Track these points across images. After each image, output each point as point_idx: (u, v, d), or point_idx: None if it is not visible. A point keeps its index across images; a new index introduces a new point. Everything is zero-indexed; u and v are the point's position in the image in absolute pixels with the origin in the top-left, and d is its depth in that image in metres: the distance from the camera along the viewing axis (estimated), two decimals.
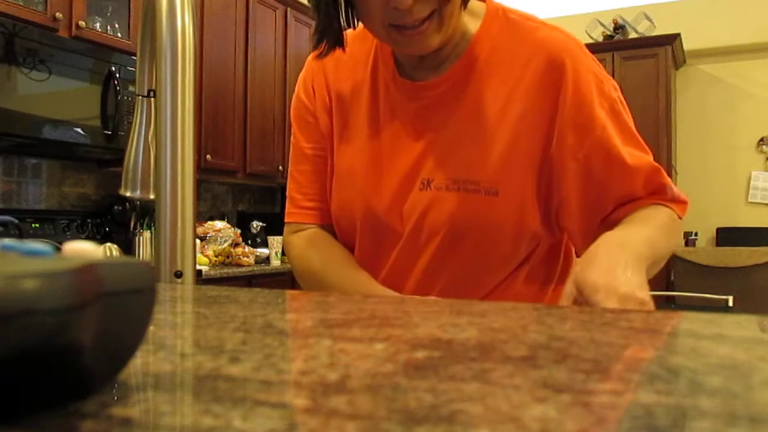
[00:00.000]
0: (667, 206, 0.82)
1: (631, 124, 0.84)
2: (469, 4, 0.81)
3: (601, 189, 0.81)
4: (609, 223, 0.81)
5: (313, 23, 0.82)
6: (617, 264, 0.67)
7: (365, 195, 0.87)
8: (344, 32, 0.82)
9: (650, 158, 0.84)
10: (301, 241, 0.95)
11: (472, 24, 0.85)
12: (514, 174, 0.80)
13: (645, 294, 0.65)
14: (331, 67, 0.93)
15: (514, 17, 0.85)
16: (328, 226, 0.95)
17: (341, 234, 0.94)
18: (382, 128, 0.87)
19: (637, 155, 0.82)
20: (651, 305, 0.66)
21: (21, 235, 2.60)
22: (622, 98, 0.86)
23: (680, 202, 0.84)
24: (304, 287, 0.95)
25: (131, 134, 0.91)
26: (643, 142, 0.85)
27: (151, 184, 0.88)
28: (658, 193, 0.83)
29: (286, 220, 0.99)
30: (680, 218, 0.84)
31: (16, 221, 2.59)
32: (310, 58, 0.94)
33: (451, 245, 0.83)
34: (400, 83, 0.87)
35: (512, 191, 0.80)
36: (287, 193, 1.00)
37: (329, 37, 0.82)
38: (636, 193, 0.82)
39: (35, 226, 2.74)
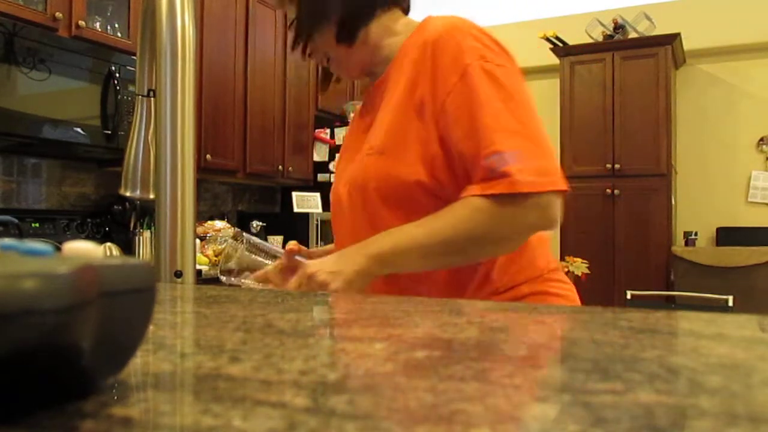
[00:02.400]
0: (481, 196, 0.84)
1: (487, 102, 0.86)
2: (399, 24, 1.02)
3: (454, 139, 0.89)
4: None
5: None
6: (335, 255, 0.88)
7: (336, 179, 1.06)
8: None
9: (486, 133, 0.85)
10: None
11: (398, 40, 1.01)
12: (396, 137, 0.93)
13: (328, 276, 0.82)
14: None
15: (425, 23, 0.99)
16: None
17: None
18: (355, 126, 1.10)
19: (477, 126, 0.86)
20: (332, 288, 0.81)
21: (21, 234, 2.60)
22: (489, 65, 0.89)
23: (505, 181, 0.83)
24: None
25: (131, 134, 0.91)
26: (509, 123, 0.86)
27: (151, 183, 0.88)
28: (488, 179, 0.84)
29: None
30: (505, 196, 0.83)
31: (16, 221, 2.59)
32: None
33: (355, 206, 0.97)
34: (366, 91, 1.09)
35: (395, 150, 0.92)
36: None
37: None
38: (475, 164, 0.86)
39: (35, 226, 2.74)
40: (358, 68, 1.04)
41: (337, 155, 1.18)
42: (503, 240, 0.88)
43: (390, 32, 1.02)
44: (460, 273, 0.93)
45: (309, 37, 1.01)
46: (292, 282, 0.88)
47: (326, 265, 0.86)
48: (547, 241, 1.02)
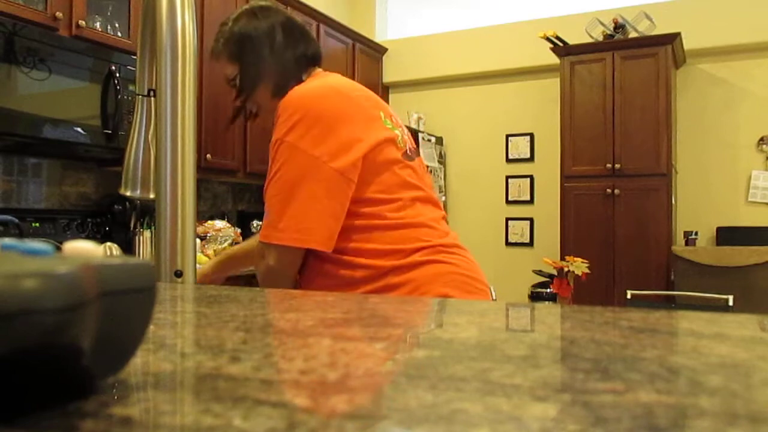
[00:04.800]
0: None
1: (282, 166, 1.14)
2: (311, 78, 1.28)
3: None
4: None
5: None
6: None
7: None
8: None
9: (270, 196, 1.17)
10: None
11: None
12: None
13: None
14: None
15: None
16: None
17: None
18: None
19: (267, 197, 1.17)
20: None
21: (21, 234, 2.60)
22: (291, 144, 1.13)
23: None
24: None
25: (131, 133, 0.91)
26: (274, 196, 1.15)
27: (152, 183, 0.88)
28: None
29: None
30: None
31: (17, 220, 2.59)
32: None
33: None
34: None
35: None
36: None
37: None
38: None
39: (35, 226, 2.74)
40: (271, 115, 1.26)
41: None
42: None
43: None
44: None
45: (249, 95, 1.28)
46: None
47: None
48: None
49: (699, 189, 4.69)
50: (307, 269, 1.19)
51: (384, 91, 5.26)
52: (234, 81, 1.29)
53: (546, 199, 4.82)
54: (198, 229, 3.08)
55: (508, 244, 4.95)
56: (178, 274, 0.77)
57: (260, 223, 3.76)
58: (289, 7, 3.91)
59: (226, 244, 3.15)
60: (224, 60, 1.30)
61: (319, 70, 1.32)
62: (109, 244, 1.01)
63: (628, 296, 3.54)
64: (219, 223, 3.25)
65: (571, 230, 4.32)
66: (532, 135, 4.92)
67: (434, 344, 0.30)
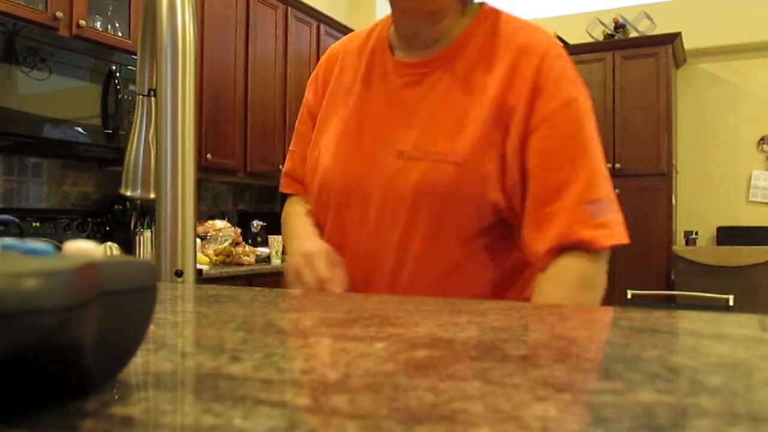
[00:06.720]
0: (582, 253, 0.83)
1: (589, 131, 0.86)
2: (467, 7, 0.93)
3: (540, 167, 0.85)
4: (534, 252, 0.86)
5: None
6: None
7: (345, 162, 0.94)
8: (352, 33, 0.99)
9: (590, 174, 0.84)
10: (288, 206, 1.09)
11: (465, 21, 0.93)
12: (480, 152, 0.85)
13: None
14: (336, 61, 1.03)
15: (504, 18, 0.93)
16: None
17: (318, 208, 0.99)
18: (370, 102, 0.95)
19: (578, 163, 0.83)
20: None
21: (22, 234, 2.60)
22: (589, 107, 0.88)
23: (603, 228, 0.82)
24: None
25: (132, 133, 0.91)
26: (595, 163, 0.85)
27: (152, 183, 0.88)
28: (581, 221, 0.82)
29: (283, 189, 1.09)
30: (602, 248, 0.83)
31: (17, 220, 2.59)
32: (323, 55, 1.08)
33: (417, 211, 0.87)
34: (390, 60, 0.95)
35: (475, 165, 0.85)
36: (284, 167, 1.10)
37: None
38: (564, 202, 0.83)
39: (36, 225, 2.74)
40: (438, 4, 0.89)
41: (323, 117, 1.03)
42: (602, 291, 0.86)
43: (465, 8, 0.93)
44: (504, 278, 0.92)
45: None
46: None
47: None
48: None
49: (699, 189, 4.69)
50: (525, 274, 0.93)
51: None
52: None
53: None
54: (198, 228, 3.09)
55: None
56: (179, 273, 0.77)
57: (261, 222, 3.77)
58: (289, 7, 3.92)
59: (226, 244, 3.15)
60: None
61: None
62: (109, 243, 1.01)
63: (629, 296, 3.54)
64: (219, 223, 3.26)
65: None
66: None
67: (435, 344, 0.30)
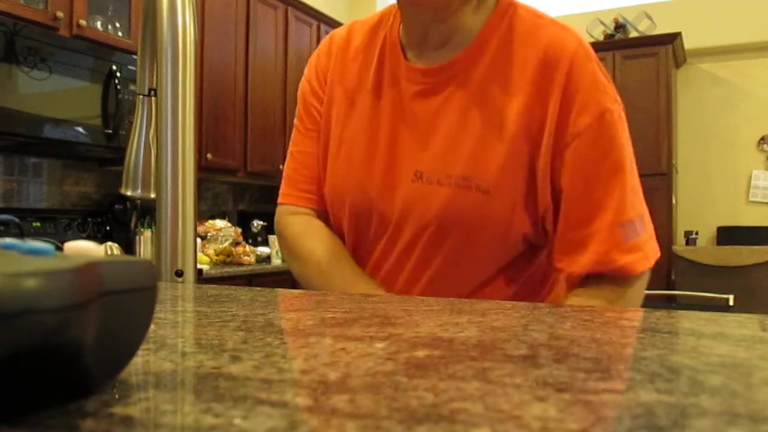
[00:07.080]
0: (616, 278, 0.80)
1: (623, 143, 0.81)
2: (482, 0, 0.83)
3: (570, 197, 0.80)
4: (568, 273, 0.82)
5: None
6: None
7: (358, 178, 0.87)
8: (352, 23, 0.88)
9: (623, 192, 0.79)
10: (299, 225, 0.95)
11: (479, 17, 0.84)
12: (508, 175, 0.79)
13: None
14: (340, 54, 0.94)
15: (522, 14, 0.85)
16: (322, 212, 0.95)
17: (333, 219, 0.94)
18: (382, 114, 0.87)
19: (612, 183, 0.79)
20: None
21: (22, 234, 2.60)
22: (621, 112, 0.83)
23: (637, 252, 0.79)
24: (299, 273, 0.94)
25: (132, 133, 0.91)
26: (626, 172, 0.80)
27: (152, 183, 0.88)
28: (616, 246, 0.78)
29: (281, 200, 0.98)
30: (637, 274, 0.80)
31: (17, 220, 2.59)
32: (324, 40, 0.98)
33: (439, 239, 0.82)
34: (403, 64, 0.87)
35: (504, 191, 0.79)
36: (284, 172, 1.00)
37: None
38: (598, 225, 0.78)
39: (36, 225, 2.75)
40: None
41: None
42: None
43: (479, 2, 0.84)
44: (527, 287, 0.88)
45: None
46: None
47: None
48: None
49: (699, 189, 4.69)
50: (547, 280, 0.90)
51: None
52: None
53: None
54: (199, 228, 3.09)
55: None
56: (179, 273, 0.77)
57: (261, 222, 3.77)
58: (289, 7, 3.92)
59: (226, 244, 3.15)
60: None
61: None
62: (109, 243, 1.01)
63: None
64: (219, 223, 3.26)
65: None
66: None
67: (435, 343, 0.30)
